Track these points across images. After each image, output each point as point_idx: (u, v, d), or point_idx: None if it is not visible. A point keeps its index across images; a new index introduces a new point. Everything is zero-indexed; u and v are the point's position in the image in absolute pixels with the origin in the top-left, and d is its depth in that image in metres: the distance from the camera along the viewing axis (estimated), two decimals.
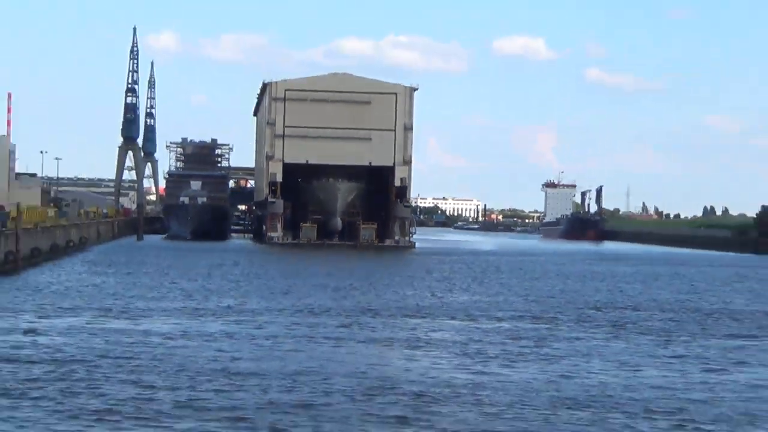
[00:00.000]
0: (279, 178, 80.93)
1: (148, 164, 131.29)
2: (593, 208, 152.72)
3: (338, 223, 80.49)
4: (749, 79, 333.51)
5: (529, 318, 27.94)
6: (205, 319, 25.24)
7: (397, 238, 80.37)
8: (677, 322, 27.89)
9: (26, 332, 20.51)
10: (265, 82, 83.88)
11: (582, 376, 16.05)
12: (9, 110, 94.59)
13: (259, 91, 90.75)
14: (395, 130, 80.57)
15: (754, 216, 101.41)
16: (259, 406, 12.13)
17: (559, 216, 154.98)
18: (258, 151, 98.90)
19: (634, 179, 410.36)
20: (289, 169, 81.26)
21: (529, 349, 19.88)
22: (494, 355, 18.91)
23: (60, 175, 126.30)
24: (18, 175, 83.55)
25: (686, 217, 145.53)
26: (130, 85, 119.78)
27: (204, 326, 23.45)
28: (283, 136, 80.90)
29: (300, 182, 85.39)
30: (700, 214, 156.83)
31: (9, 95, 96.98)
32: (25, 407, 11.69)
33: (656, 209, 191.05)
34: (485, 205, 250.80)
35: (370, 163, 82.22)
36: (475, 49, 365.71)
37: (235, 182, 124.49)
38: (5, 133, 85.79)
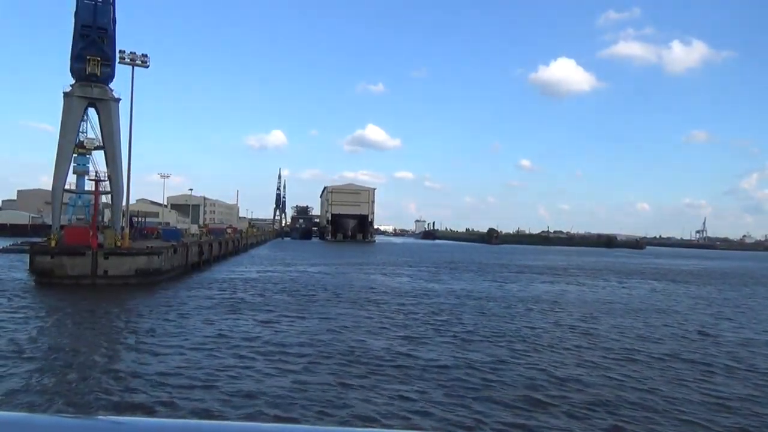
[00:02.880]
0: (330, 218, 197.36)
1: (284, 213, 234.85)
2: (434, 227, 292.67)
3: (348, 234, 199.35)
4: None
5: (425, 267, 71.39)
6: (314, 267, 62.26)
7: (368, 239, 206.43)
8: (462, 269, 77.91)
9: (258, 272, 51.32)
10: (326, 186, 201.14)
11: (452, 286, 42.28)
12: None
13: (323, 188, 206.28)
14: (368, 202, 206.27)
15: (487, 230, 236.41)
16: (351, 291, 39.44)
17: (420, 231, 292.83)
18: (322, 207, 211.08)
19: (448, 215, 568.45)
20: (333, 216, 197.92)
21: (430, 277, 50.75)
22: (413, 278, 41.44)
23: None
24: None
25: (475, 230, 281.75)
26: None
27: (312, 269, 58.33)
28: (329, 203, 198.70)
29: (336, 219, 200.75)
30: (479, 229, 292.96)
31: None
32: (274, 297, 34.01)
33: (467, 228, 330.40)
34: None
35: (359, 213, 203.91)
36: None
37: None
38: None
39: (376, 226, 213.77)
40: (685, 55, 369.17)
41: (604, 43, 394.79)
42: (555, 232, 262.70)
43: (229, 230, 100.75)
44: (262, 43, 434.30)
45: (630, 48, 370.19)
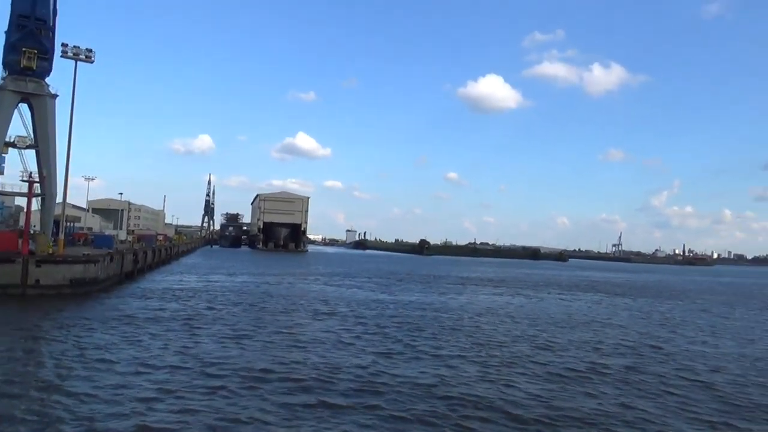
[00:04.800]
0: (261, 226, 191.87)
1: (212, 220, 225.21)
2: (364, 237, 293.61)
3: (280, 243, 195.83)
4: None
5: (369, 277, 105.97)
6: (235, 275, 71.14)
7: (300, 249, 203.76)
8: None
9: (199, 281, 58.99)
10: (258, 194, 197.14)
11: (406, 297, 40.84)
12: None
13: (255, 196, 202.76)
14: (302, 211, 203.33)
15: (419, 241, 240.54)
16: (305, 302, 46.78)
17: (352, 241, 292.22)
18: (253, 214, 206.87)
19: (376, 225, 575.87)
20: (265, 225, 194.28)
21: (380, 288, 56.82)
22: (363, 288, 38.45)
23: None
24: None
25: (404, 241, 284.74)
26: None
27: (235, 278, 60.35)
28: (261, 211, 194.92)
29: (268, 228, 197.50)
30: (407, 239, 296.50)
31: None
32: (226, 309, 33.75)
33: (396, 239, 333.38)
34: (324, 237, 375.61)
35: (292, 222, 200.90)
36: None
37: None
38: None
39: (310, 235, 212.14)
40: (604, 77, 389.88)
41: (529, 62, 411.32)
42: (482, 243, 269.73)
43: (160, 237, 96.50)
44: (191, 44, 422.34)
45: (554, 68, 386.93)
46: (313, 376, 16.93)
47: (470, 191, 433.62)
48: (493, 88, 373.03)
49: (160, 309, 30.15)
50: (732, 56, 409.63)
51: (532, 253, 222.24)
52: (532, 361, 20.63)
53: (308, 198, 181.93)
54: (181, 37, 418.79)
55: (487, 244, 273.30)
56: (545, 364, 20.19)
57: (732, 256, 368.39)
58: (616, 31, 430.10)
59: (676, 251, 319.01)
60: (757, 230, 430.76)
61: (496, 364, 19.99)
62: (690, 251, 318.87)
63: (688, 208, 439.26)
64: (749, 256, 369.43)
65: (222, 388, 15.23)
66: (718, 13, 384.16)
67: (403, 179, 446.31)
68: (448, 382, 16.97)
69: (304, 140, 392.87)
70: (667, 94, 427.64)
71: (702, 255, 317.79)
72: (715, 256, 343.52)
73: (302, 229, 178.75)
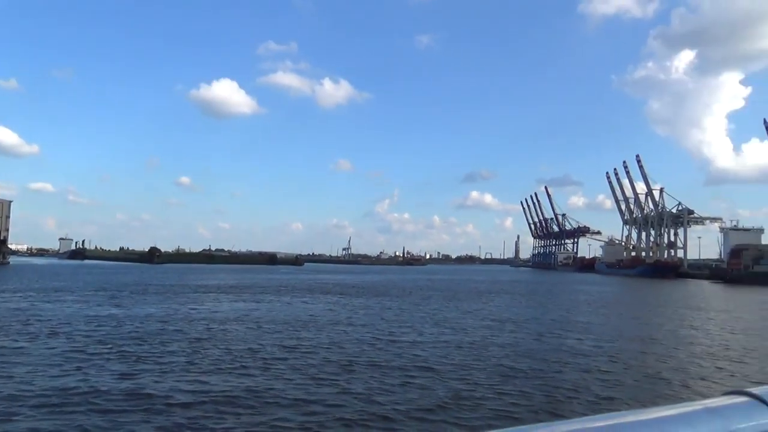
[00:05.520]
0: None
1: None
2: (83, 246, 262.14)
3: None
4: None
5: None
6: None
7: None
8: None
9: None
10: None
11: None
12: None
13: None
14: (2, 217, 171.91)
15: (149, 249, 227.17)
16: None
17: (66, 250, 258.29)
18: None
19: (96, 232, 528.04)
20: None
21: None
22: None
23: None
24: None
25: (130, 249, 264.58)
26: None
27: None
28: None
29: None
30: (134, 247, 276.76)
31: None
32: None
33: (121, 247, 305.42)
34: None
35: None
36: None
37: None
38: None
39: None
40: (334, 91, 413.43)
41: (264, 70, 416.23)
42: (217, 249, 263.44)
43: None
44: None
45: (288, 78, 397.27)
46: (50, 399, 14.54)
47: (203, 196, 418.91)
48: (228, 93, 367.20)
49: None
50: (439, 83, 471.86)
51: (269, 259, 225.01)
52: (287, 365, 20.88)
53: (10, 202, 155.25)
54: None
55: (223, 250, 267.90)
56: (299, 365, 20.66)
57: (441, 256, 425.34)
58: (343, 49, 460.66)
59: (397, 253, 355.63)
60: (459, 233, 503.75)
61: (256, 372, 19.74)
62: (408, 252, 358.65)
63: (406, 215, 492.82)
64: (453, 256, 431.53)
65: None
66: (428, 44, 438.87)
67: (129, 183, 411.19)
68: (215, 399, 16.18)
69: (2, 134, 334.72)
70: (387, 112, 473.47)
71: (418, 255, 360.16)
72: (428, 256, 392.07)
73: (2, 238, 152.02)
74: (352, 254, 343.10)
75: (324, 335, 29.14)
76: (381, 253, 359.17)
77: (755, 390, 1.70)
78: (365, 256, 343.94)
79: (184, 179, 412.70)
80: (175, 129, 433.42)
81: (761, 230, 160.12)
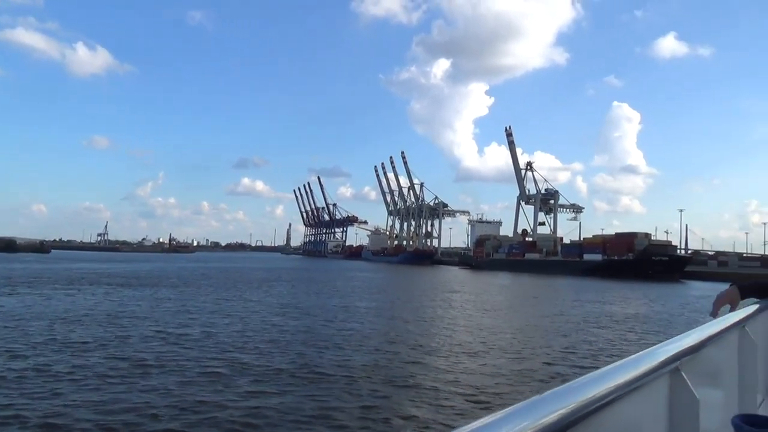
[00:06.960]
0: None
1: None
2: None
3: None
4: None
5: None
6: None
7: None
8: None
9: None
10: None
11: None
12: None
13: None
14: None
15: None
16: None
17: None
18: None
19: None
20: None
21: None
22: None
23: None
24: None
25: None
26: None
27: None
28: None
29: None
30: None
31: None
32: None
33: None
34: None
35: None
36: None
37: None
38: None
39: None
40: (90, 59, 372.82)
41: (1, 24, 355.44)
42: None
43: None
44: None
45: (33, 38, 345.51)
46: None
47: None
48: None
49: None
50: (213, 64, 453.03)
51: (7, 245, 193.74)
52: (64, 371, 18.83)
53: None
54: None
55: None
56: (90, 367, 18.83)
57: (210, 243, 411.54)
58: (103, 12, 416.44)
59: (162, 239, 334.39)
60: (229, 220, 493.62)
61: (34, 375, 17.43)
62: (174, 239, 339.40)
63: (172, 199, 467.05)
64: (223, 243, 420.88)
65: None
66: (201, 21, 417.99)
67: None
68: None
69: None
70: (155, 90, 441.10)
71: (185, 243, 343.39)
72: (195, 243, 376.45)
73: None
74: (110, 241, 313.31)
75: (102, 331, 26.69)
76: (143, 239, 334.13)
77: None
78: (125, 243, 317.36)
79: None
80: None
81: (500, 223, 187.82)
